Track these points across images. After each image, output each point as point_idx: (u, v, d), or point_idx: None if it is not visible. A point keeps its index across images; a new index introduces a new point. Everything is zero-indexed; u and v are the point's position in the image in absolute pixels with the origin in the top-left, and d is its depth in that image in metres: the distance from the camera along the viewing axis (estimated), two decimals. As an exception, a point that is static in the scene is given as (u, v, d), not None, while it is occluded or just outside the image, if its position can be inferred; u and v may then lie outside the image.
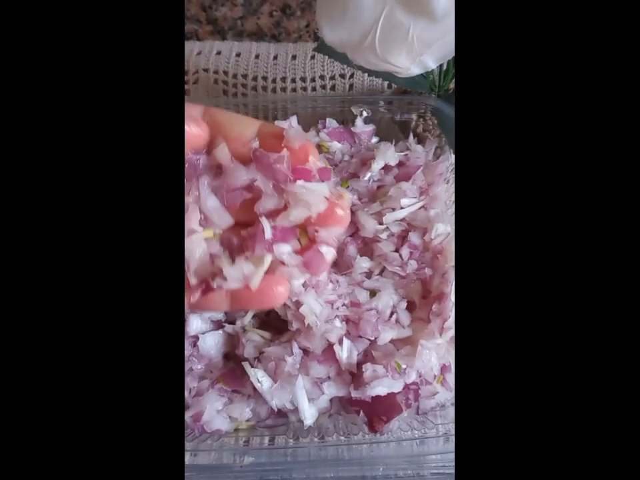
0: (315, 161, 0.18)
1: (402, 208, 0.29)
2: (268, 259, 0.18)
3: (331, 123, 0.33)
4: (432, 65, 0.22)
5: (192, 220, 0.17)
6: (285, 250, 0.18)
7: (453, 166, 0.32)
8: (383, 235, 0.29)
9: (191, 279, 0.17)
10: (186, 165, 0.18)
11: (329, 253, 0.19)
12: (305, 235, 0.19)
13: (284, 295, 0.18)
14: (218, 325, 0.28)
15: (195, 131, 0.18)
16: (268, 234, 0.17)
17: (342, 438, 0.24)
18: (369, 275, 0.28)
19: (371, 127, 0.33)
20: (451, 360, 0.26)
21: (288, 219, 0.18)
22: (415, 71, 0.22)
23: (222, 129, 0.18)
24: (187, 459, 0.23)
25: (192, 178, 0.18)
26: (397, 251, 0.29)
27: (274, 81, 0.45)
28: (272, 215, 0.18)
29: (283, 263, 0.18)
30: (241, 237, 0.18)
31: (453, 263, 0.28)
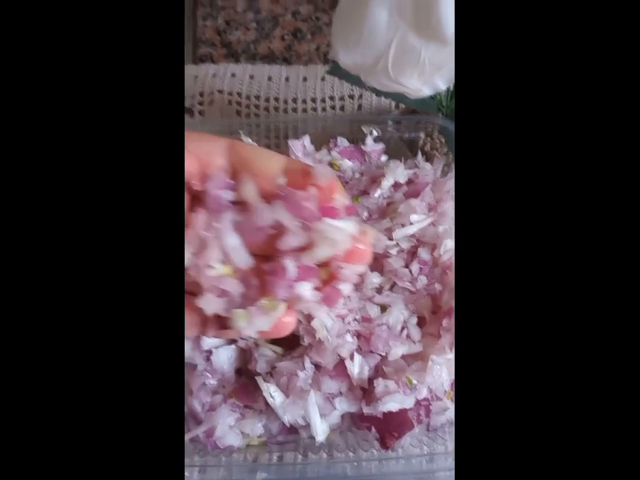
0: (341, 199, 0.18)
1: (411, 224, 0.30)
2: (282, 307, 0.18)
3: (342, 141, 0.33)
4: (442, 86, 0.23)
5: (212, 256, 0.17)
6: (306, 288, 0.18)
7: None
8: (393, 251, 0.29)
9: (203, 306, 0.17)
10: (209, 198, 0.17)
11: (347, 289, 0.19)
12: (325, 271, 0.19)
13: (292, 325, 0.18)
14: (230, 340, 0.28)
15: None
16: (291, 273, 0.17)
17: (351, 454, 0.24)
18: (379, 290, 0.29)
19: (380, 146, 0.34)
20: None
21: (314, 258, 0.17)
22: (426, 92, 0.23)
23: (247, 165, 0.18)
24: (197, 475, 0.23)
25: (214, 212, 0.18)
26: (406, 266, 0.29)
27: (285, 101, 0.46)
28: (295, 252, 0.18)
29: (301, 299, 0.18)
30: (259, 275, 0.18)
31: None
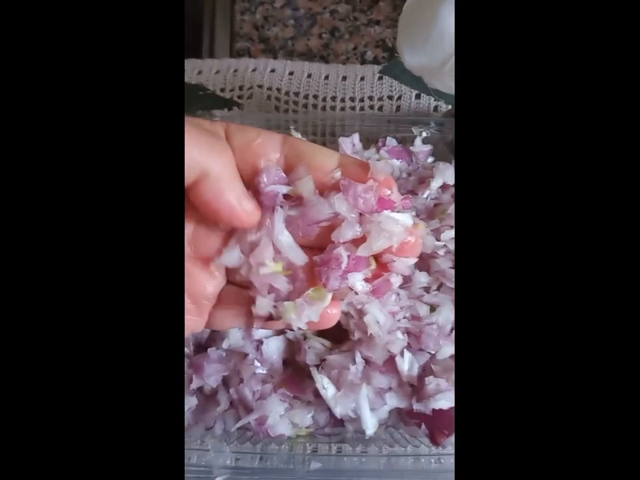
0: (397, 192, 0.18)
1: (460, 226, 0.30)
2: (329, 297, 0.18)
3: (391, 141, 0.34)
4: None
5: (265, 254, 0.17)
6: (358, 279, 0.18)
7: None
8: (441, 252, 0.30)
9: (256, 310, 0.18)
10: (262, 194, 0.17)
11: (397, 282, 0.19)
12: (376, 262, 0.19)
13: (337, 317, 0.19)
14: (279, 331, 0.28)
15: (247, 208, 0.17)
16: (345, 264, 0.17)
17: (407, 449, 0.25)
18: (427, 289, 0.29)
19: (428, 147, 0.34)
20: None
21: (369, 249, 0.18)
22: (494, 96, 0.24)
23: (303, 159, 0.18)
24: (257, 462, 0.23)
25: (268, 209, 0.18)
26: (454, 267, 0.29)
27: (324, 99, 0.47)
28: (349, 243, 0.18)
29: (351, 289, 0.18)
30: (309, 267, 0.18)
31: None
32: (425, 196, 0.32)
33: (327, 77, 0.48)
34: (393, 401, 0.25)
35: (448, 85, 0.24)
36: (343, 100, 0.47)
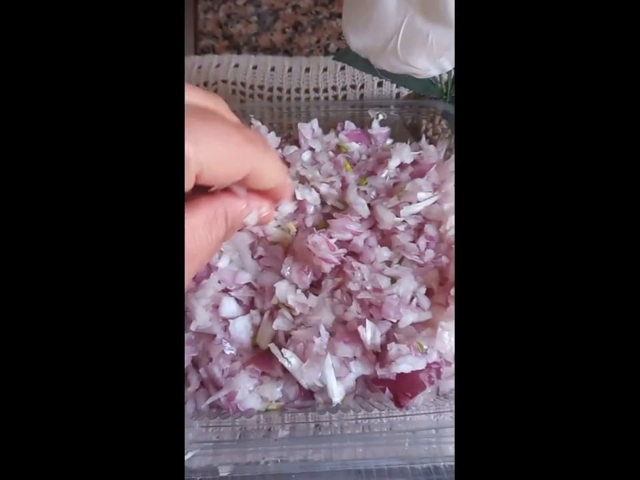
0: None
1: (418, 202, 0.31)
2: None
3: (349, 125, 0.35)
4: (448, 66, 0.25)
5: None
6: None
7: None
8: (401, 227, 0.31)
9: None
10: None
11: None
12: None
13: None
14: (246, 310, 0.29)
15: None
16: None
17: (372, 413, 0.26)
18: (388, 263, 0.30)
19: (386, 129, 0.35)
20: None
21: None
22: (434, 72, 0.25)
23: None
24: (226, 434, 0.24)
25: None
26: (413, 242, 0.31)
27: (288, 91, 0.47)
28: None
29: None
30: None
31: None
32: (383, 175, 0.33)
33: (290, 70, 0.49)
34: (357, 369, 0.26)
35: (392, 64, 0.26)
36: (307, 91, 0.48)
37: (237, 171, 0.16)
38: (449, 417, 0.28)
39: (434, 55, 0.24)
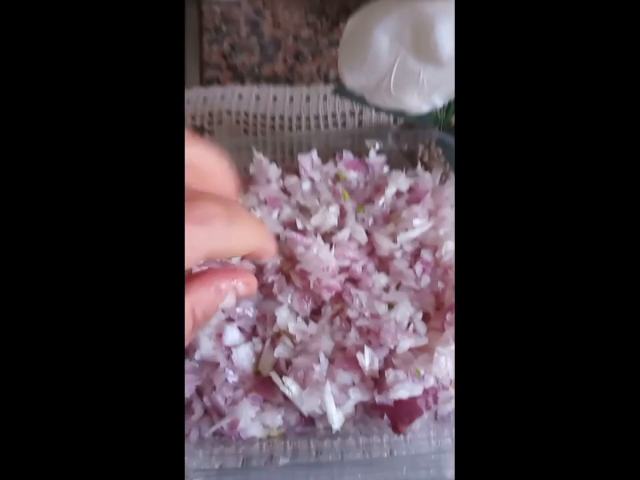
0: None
1: (414, 228, 0.32)
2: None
3: (347, 155, 0.36)
4: (440, 103, 0.26)
5: None
6: None
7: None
8: (398, 254, 0.32)
9: None
10: None
11: None
12: None
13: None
14: (248, 337, 0.30)
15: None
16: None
17: (364, 439, 0.26)
18: (386, 289, 0.31)
19: (382, 158, 0.36)
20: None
21: None
22: (425, 109, 0.26)
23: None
24: (229, 461, 0.25)
25: None
26: (411, 267, 0.32)
27: (290, 119, 0.49)
28: None
29: None
30: None
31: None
32: (380, 203, 0.34)
33: (291, 99, 0.51)
34: (356, 395, 0.27)
35: (386, 101, 0.27)
36: (307, 119, 0.50)
37: (213, 254, 0.15)
38: (448, 441, 0.28)
39: (425, 93, 0.26)
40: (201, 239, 0.14)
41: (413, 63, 0.25)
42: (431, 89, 0.25)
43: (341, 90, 0.39)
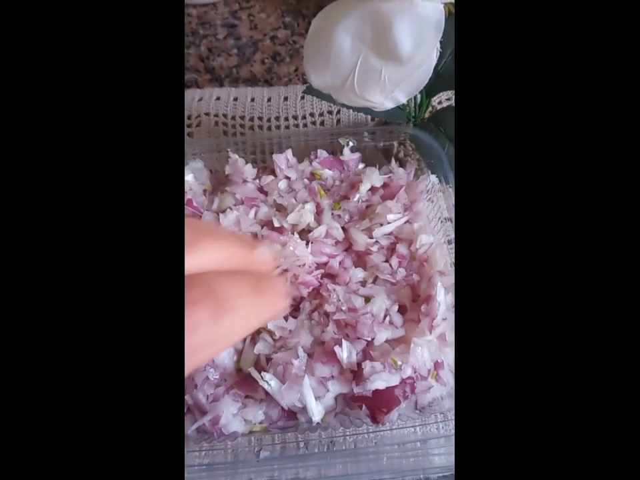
0: None
1: (389, 223, 0.33)
2: None
3: (322, 153, 0.37)
4: (402, 99, 0.27)
5: None
6: None
7: (431, 185, 0.37)
8: (374, 248, 0.32)
9: None
10: None
11: None
12: None
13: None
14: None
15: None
16: None
17: (347, 430, 0.27)
18: (363, 283, 0.31)
19: (357, 155, 0.37)
20: (443, 358, 0.29)
21: None
22: (388, 105, 0.27)
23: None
24: (207, 458, 0.25)
25: None
26: (387, 261, 0.32)
27: (269, 120, 0.50)
28: None
29: None
30: None
31: (437, 268, 0.31)
32: (356, 199, 0.35)
33: (269, 99, 0.51)
34: (335, 387, 0.28)
35: (351, 99, 0.28)
36: (286, 119, 0.50)
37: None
38: (433, 429, 0.29)
39: (387, 90, 0.26)
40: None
41: (374, 60, 0.26)
42: (392, 85, 0.26)
43: (312, 90, 0.39)
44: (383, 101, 0.26)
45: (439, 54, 0.25)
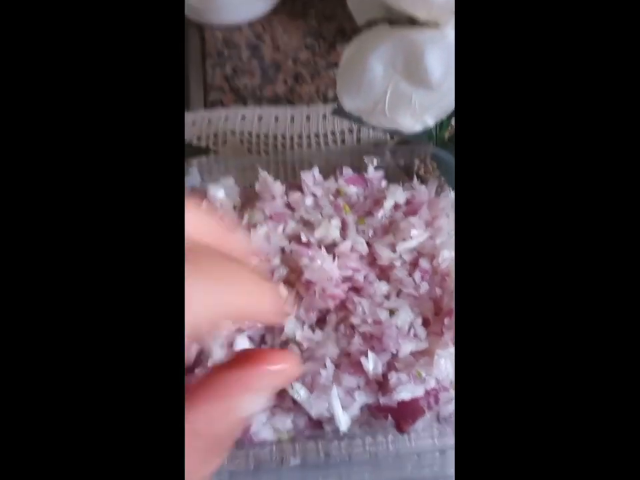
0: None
1: (412, 238, 0.34)
2: None
3: (347, 171, 0.38)
4: (431, 123, 0.28)
5: None
6: None
7: (453, 201, 0.38)
8: (397, 263, 0.34)
9: None
10: None
11: None
12: None
13: None
14: (258, 345, 0.31)
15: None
16: None
17: (369, 439, 0.27)
18: (387, 296, 0.33)
19: (380, 173, 0.39)
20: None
21: None
22: (418, 128, 0.28)
23: None
24: (241, 464, 0.26)
25: None
26: (410, 275, 0.33)
27: (292, 138, 0.52)
28: None
29: None
30: None
31: (459, 283, 0.32)
32: (380, 215, 0.36)
33: (292, 118, 0.53)
34: (362, 398, 0.28)
35: (381, 122, 0.29)
36: (308, 137, 0.52)
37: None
38: (450, 440, 0.30)
39: (417, 114, 0.28)
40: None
41: (405, 86, 0.27)
42: (422, 110, 0.27)
43: (340, 111, 0.41)
44: (413, 124, 0.28)
45: (466, 81, 0.27)
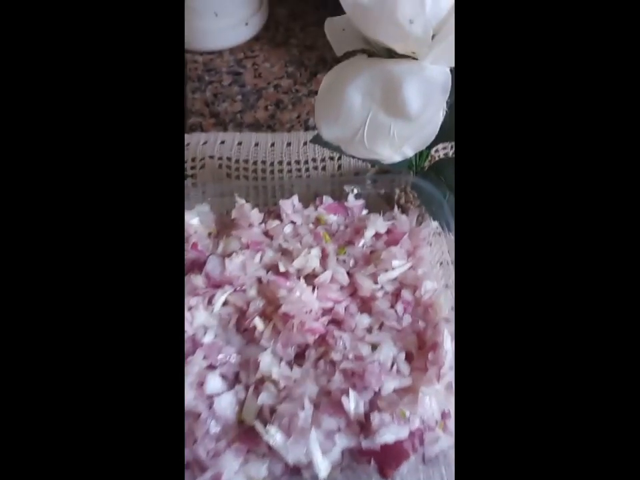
0: None
1: (393, 269, 0.33)
2: None
3: (327, 199, 0.38)
4: (410, 153, 0.28)
5: None
6: None
7: (434, 231, 0.37)
8: (379, 294, 0.33)
9: None
10: None
11: None
12: None
13: None
14: (231, 384, 0.30)
15: None
16: None
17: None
18: (369, 330, 0.31)
19: (361, 202, 0.38)
20: (450, 407, 0.29)
21: None
22: (397, 159, 0.28)
23: None
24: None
25: None
26: (392, 307, 0.32)
27: (272, 164, 0.51)
28: None
29: None
30: None
31: (442, 314, 0.31)
32: (360, 245, 0.35)
33: (272, 145, 0.53)
34: (342, 441, 0.27)
35: (360, 152, 0.29)
36: (289, 164, 0.51)
37: None
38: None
39: (396, 145, 0.27)
40: None
41: (383, 117, 0.27)
42: (401, 141, 0.27)
43: (319, 140, 0.41)
44: (392, 155, 0.27)
45: (445, 113, 0.26)
